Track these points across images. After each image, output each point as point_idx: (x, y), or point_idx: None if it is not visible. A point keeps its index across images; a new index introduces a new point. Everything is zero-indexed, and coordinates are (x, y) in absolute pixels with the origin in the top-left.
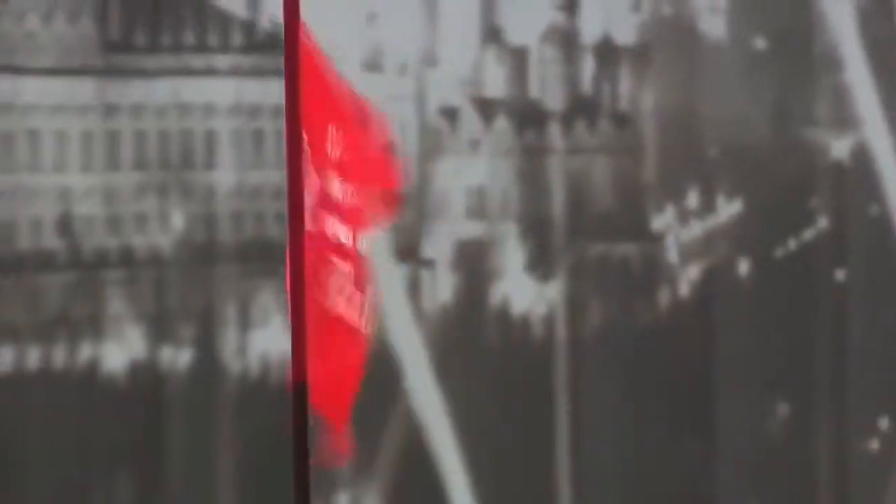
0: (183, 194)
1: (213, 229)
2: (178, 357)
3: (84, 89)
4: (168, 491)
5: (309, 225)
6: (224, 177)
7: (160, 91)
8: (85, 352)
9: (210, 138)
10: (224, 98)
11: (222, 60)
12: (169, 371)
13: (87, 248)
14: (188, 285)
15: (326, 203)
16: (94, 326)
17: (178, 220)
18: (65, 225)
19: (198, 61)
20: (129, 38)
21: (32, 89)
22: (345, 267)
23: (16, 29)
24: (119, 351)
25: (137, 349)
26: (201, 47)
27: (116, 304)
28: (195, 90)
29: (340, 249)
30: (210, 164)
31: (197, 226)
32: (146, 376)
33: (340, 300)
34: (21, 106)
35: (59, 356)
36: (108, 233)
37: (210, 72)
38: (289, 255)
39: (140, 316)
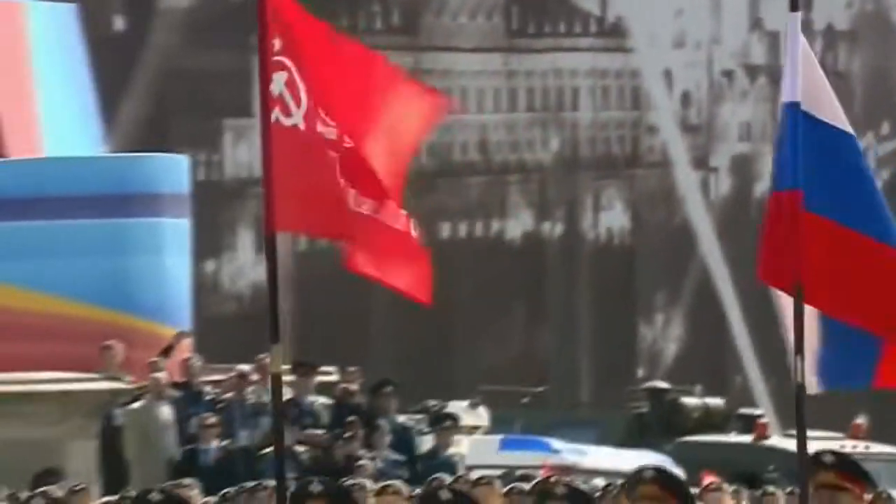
0: (557, 126)
1: (577, 149)
2: (554, 229)
3: (494, 61)
4: (546, 315)
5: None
6: (584, 115)
7: (544, 62)
8: (494, 226)
9: (575, 91)
10: (584, 65)
11: (583, 41)
12: (547, 238)
13: (496, 160)
14: (560, 184)
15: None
16: (501, 210)
17: (554, 143)
18: (482, 146)
19: (567, 42)
20: (524, 28)
21: (464, 61)
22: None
23: (452, 23)
24: (516, 225)
25: (527, 224)
26: (569, 33)
27: (515, 196)
28: (566, 61)
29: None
30: (575, 107)
31: (566, 146)
32: (533, 242)
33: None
34: (456, 72)
35: (478, 229)
36: (510, 151)
37: (575, 49)
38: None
39: (529, 203)
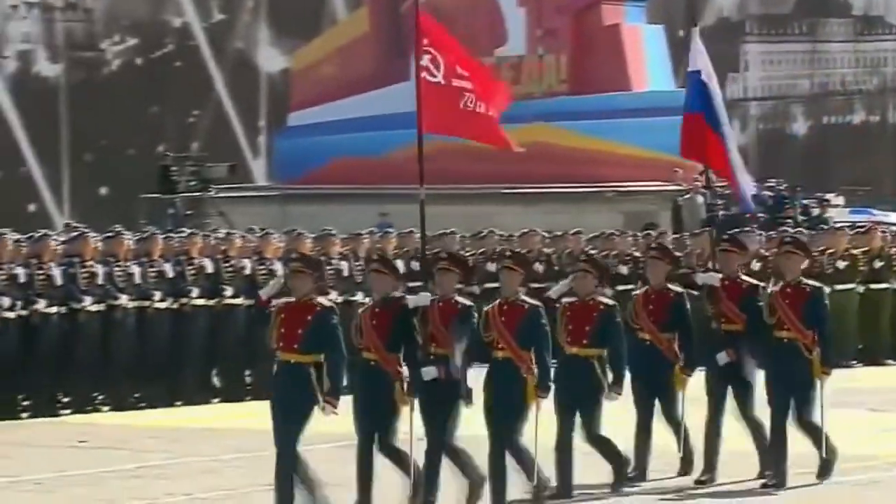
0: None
1: (885, 82)
2: (858, 117)
3: (848, 46)
4: (870, 152)
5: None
6: (890, 70)
7: (870, 46)
8: (845, 118)
9: (885, 59)
10: (891, 46)
11: (890, 36)
12: (861, 120)
13: (847, 89)
14: (870, 99)
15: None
16: (850, 111)
17: (874, 80)
18: (842, 83)
19: (885, 37)
20: (863, 31)
21: (836, 46)
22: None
23: (829, 29)
24: (849, 118)
25: (854, 119)
26: (886, 32)
27: (857, 105)
28: (883, 45)
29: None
30: (885, 65)
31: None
32: (855, 126)
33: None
34: (830, 52)
35: (834, 119)
36: (854, 84)
37: (887, 39)
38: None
39: (861, 108)
